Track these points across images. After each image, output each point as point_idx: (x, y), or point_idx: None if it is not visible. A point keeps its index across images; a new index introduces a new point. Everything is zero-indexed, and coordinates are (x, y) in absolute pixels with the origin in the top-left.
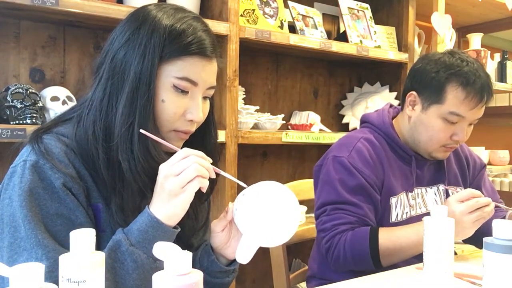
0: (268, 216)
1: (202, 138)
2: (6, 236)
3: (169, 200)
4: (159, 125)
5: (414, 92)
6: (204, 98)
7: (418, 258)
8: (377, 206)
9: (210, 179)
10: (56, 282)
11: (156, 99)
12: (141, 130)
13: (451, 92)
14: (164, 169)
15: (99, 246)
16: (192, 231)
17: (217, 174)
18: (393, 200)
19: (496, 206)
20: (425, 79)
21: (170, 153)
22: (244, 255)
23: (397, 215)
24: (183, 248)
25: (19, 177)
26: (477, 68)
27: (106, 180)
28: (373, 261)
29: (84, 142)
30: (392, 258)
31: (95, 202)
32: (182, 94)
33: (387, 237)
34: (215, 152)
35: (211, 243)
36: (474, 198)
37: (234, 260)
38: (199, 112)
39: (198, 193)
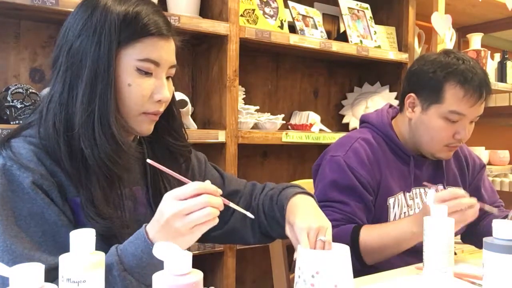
0: None
1: (168, 121)
2: None
3: (173, 237)
4: (128, 110)
5: (412, 94)
6: (167, 78)
7: (418, 258)
8: (368, 206)
9: (181, 149)
10: None
11: (121, 84)
12: (148, 160)
13: (450, 90)
14: (172, 205)
15: None
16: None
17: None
18: (390, 200)
19: (481, 209)
20: (423, 80)
21: (156, 138)
22: None
23: (395, 215)
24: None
25: None
26: (474, 66)
27: (70, 172)
28: (356, 257)
29: (47, 138)
30: (375, 255)
31: (72, 197)
32: (146, 76)
33: (368, 234)
34: (181, 133)
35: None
36: (456, 198)
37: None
38: (165, 91)
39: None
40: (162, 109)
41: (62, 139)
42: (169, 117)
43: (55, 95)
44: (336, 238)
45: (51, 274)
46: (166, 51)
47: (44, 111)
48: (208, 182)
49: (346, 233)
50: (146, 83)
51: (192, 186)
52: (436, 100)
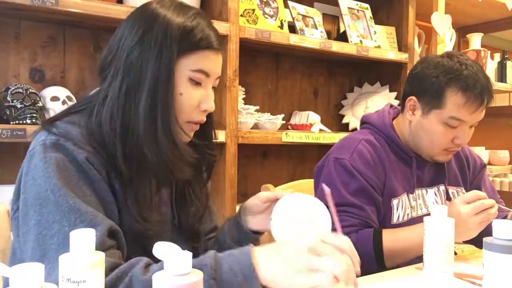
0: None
1: (204, 129)
2: (31, 217)
3: (285, 269)
4: (177, 118)
5: (413, 97)
6: (212, 88)
7: (418, 258)
8: (379, 207)
9: (209, 157)
10: (99, 244)
11: (174, 93)
12: (324, 187)
13: (451, 97)
14: (310, 241)
15: (119, 222)
16: (197, 218)
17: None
18: (394, 201)
19: (499, 209)
20: (425, 84)
21: (190, 144)
22: None
23: (398, 216)
24: (191, 236)
25: (40, 155)
26: (476, 71)
27: (123, 173)
28: (378, 263)
29: (98, 135)
30: (396, 259)
31: (112, 183)
32: (196, 86)
33: (390, 238)
34: (212, 142)
35: (245, 207)
36: (479, 200)
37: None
38: (211, 101)
39: (198, 178)
40: (204, 118)
41: (118, 140)
42: (206, 125)
43: (111, 98)
44: (357, 244)
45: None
46: (216, 63)
47: (96, 110)
48: None
49: (367, 238)
50: (196, 93)
51: (339, 240)
52: (437, 105)
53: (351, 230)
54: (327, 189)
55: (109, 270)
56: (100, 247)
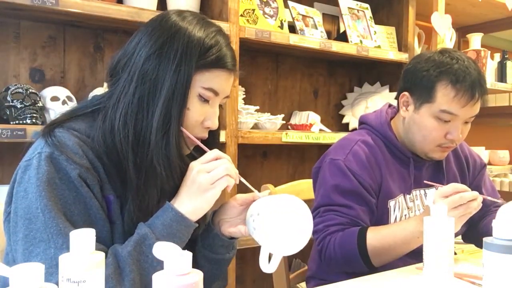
0: (289, 228)
1: (206, 143)
2: (20, 229)
3: (198, 195)
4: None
5: (406, 93)
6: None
7: (418, 258)
8: (372, 208)
9: None
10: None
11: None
12: (182, 128)
13: (441, 90)
14: (196, 165)
15: (110, 238)
16: (198, 229)
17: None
18: (391, 203)
19: (489, 204)
20: (416, 79)
21: (194, 158)
22: (270, 266)
23: (395, 217)
24: (191, 244)
25: (35, 169)
26: (468, 66)
27: (132, 181)
28: (363, 261)
29: (111, 141)
30: (382, 257)
31: (107, 194)
32: (204, 103)
33: (374, 236)
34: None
35: (218, 214)
36: (457, 193)
37: (232, 238)
38: (216, 119)
39: None
40: (207, 135)
41: (130, 148)
42: (209, 140)
43: (124, 105)
44: (342, 242)
45: None
46: (227, 83)
47: (109, 114)
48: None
49: (352, 235)
50: (202, 110)
51: (213, 152)
52: (428, 99)
53: (338, 229)
54: None
55: None
56: None
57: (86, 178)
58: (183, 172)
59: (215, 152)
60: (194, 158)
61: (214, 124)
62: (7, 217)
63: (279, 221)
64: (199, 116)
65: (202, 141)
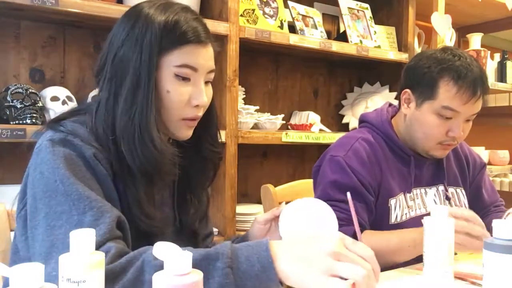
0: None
1: (205, 126)
2: (40, 211)
3: (304, 269)
4: (167, 116)
5: (408, 90)
6: (206, 82)
7: (417, 258)
8: (370, 207)
9: (214, 155)
10: (101, 234)
11: (161, 91)
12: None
13: (443, 86)
14: (336, 244)
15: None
16: (196, 217)
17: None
18: (392, 201)
19: (489, 204)
20: (418, 76)
21: (175, 142)
22: None
23: (396, 216)
24: (190, 235)
25: (48, 150)
26: (470, 63)
27: (118, 173)
28: None
29: (97, 138)
30: None
31: (116, 182)
32: (184, 81)
33: (367, 240)
34: (217, 139)
35: (249, 234)
36: (468, 221)
37: None
38: (203, 96)
39: (201, 179)
40: (200, 113)
41: (111, 141)
42: (207, 121)
43: (102, 101)
44: None
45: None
46: (203, 57)
47: (93, 114)
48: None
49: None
50: (184, 89)
51: (366, 250)
52: (430, 96)
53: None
54: (349, 196)
55: (117, 256)
56: (109, 233)
57: (100, 159)
58: (160, 161)
59: (369, 251)
60: (200, 145)
61: (202, 101)
62: (19, 213)
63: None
64: (182, 96)
65: (204, 124)
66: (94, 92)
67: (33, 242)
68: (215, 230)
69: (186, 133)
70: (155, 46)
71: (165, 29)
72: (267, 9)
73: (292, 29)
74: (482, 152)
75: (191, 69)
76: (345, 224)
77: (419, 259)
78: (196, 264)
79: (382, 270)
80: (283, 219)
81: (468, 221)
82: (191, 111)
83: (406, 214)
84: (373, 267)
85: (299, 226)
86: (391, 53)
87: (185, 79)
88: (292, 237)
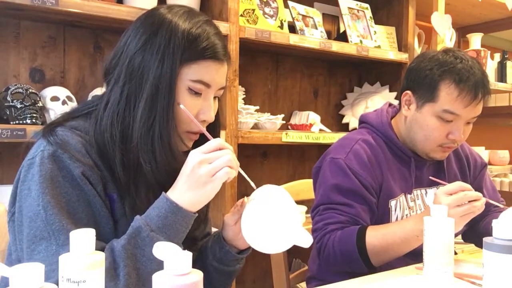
0: (269, 227)
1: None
2: (24, 228)
3: (197, 187)
4: (176, 128)
5: (409, 91)
6: (214, 97)
7: (418, 258)
8: (372, 208)
9: None
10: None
11: (174, 103)
12: (181, 106)
13: (444, 89)
14: (197, 154)
15: (114, 236)
16: (197, 224)
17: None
18: (392, 203)
19: (490, 204)
20: (419, 78)
21: (187, 153)
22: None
23: (397, 217)
24: (188, 241)
25: (38, 167)
26: (472, 65)
27: (121, 180)
28: (363, 259)
29: (101, 141)
30: (381, 256)
31: (110, 192)
32: (195, 96)
33: (373, 235)
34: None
35: (223, 235)
36: (462, 191)
37: (244, 249)
38: (211, 112)
39: None
40: (204, 127)
41: (118, 148)
42: (211, 125)
43: (112, 103)
44: (341, 240)
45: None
46: (219, 74)
47: (100, 115)
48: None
49: (351, 234)
50: (194, 103)
51: (215, 141)
52: (431, 98)
53: (337, 227)
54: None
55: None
56: None
57: (89, 176)
58: (177, 169)
59: (218, 141)
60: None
61: (209, 117)
62: (11, 217)
63: (265, 213)
64: (191, 109)
65: (201, 140)
66: (94, 92)
67: (21, 253)
68: (215, 230)
69: (188, 144)
70: (177, 57)
71: (188, 41)
72: (267, 9)
73: (292, 29)
74: (482, 152)
75: (205, 85)
76: (346, 226)
77: (419, 259)
78: (125, 247)
79: (382, 270)
80: (244, 219)
81: (463, 189)
82: (196, 125)
83: (406, 215)
84: (227, 147)
85: (260, 223)
86: (391, 53)
87: (197, 93)
88: (255, 236)
